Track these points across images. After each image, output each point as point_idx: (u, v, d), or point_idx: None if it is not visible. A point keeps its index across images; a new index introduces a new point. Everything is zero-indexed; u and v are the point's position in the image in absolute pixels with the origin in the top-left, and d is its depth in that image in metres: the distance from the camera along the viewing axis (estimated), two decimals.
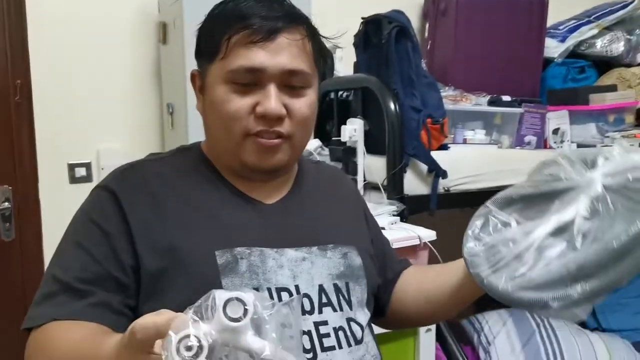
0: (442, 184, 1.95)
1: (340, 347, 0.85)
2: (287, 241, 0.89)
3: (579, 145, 2.34)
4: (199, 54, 0.92)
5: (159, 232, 0.83)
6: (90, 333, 0.73)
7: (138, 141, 2.36)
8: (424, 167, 1.93)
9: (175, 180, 0.90)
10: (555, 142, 2.34)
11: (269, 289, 0.83)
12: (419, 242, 1.69)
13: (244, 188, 0.92)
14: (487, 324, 2.26)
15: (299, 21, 0.88)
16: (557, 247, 0.75)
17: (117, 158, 2.28)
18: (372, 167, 1.97)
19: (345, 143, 1.98)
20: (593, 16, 2.72)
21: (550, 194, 0.79)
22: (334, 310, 0.87)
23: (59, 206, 2.20)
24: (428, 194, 1.94)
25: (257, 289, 0.81)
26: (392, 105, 1.88)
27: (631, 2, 2.69)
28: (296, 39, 0.86)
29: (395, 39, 1.92)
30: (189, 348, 0.49)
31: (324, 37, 0.95)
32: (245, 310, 0.52)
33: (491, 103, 2.32)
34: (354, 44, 2.16)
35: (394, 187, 1.90)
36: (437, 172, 1.91)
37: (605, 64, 2.67)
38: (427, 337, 1.77)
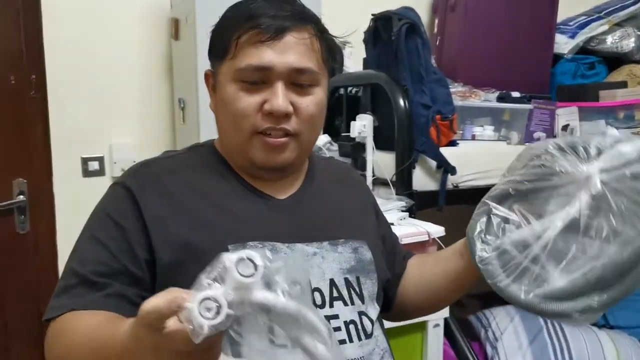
0: (451, 180, 1.96)
1: (350, 340, 0.87)
2: (298, 236, 0.90)
3: None
4: (211, 53, 0.94)
5: (174, 227, 0.85)
6: (106, 319, 0.76)
7: (150, 136, 2.39)
8: (433, 163, 1.94)
9: (190, 176, 0.92)
10: None
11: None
12: (427, 238, 1.70)
13: (256, 183, 0.94)
14: (495, 319, 2.27)
15: (307, 20, 0.89)
16: (570, 251, 0.76)
17: (129, 152, 2.32)
18: (380, 162, 1.99)
19: (354, 139, 1.99)
20: (604, 12, 2.72)
21: (546, 187, 0.79)
22: (345, 304, 0.89)
23: (73, 199, 2.24)
24: (437, 189, 1.95)
25: (268, 283, 0.83)
26: (401, 102, 1.90)
27: None
28: (304, 37, 0.87)
29: (405, 35, 1.93)
30: (208, 309, 0.51)
31: (333, 36, 0.96)
32: (256, 267, 0.54)
33: (500, 99, 2.32)
34: (364, 41, 2.17)
35: (402, 183, 1.92)
36: (445, 168, 1.93)
37: (615, 60, 2.67)
38: (435, 332, 1.78)
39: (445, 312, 1.80)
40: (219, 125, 0.95)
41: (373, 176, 1.99)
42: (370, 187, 1.98)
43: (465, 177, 1.99)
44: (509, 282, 0.79)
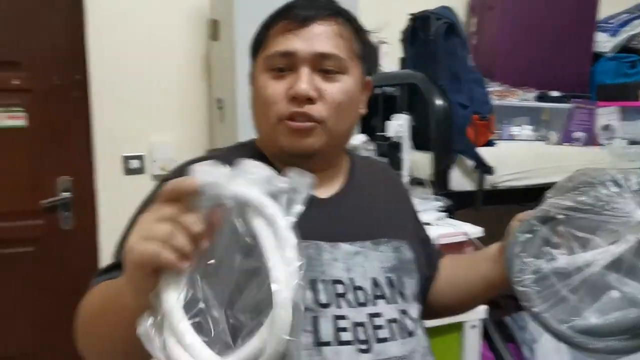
0: (489, 180, 1.95)
1: (394, 339, 0.87)
2: (341, 235, 0.91)
3: (630, 142, 2.29)
4: (251, 53, 0.97)
5: None
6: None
7: (188, 135, 2.43)
8: (470, 163, 1.93)
9: None
10: (604, 139, 2.30)
11: (324, 281, 0.85)
12: (465, 239, 1.70)
13: None
14: (533, 321, 2.25)
15: (335, 11, 0.91)
16: (609, 290, 0.76)
17: (168, 151, 2.37)
18: (417, 162, 1.99)
19: (390, 138, 1.99)
20: None
21: (595, 220, 0.79)
22: (388, 302, 0.89)
23: (114, 196, 2.29)
24: (474, 190, 1.94)
25: (313, 281, 0.84)
26: (438, 101, 1.89)
27: None
28: (331, 25, 0.89)
29: (443, 35, 1.93)
30: None
31: (367, 30, 0.97)
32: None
33: (539, 98, 2.30)
34: (401, 40, 2.17)
35: (439, 183, 1.91)
36: (483, 168, 1.92)
37: None
38: (472, 333, 1.77)
39: (482, 313, 1.79)
40: (253, 117, 0.96)
41: (410, 176, 1.99)
42: (407, 186, 1.98)
43: (503, 177, 1.98)
44: (544, 308, 0.79)
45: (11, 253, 2.20)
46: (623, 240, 0.76)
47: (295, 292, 0.57)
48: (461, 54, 1.96)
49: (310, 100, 0.87)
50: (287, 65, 0.88)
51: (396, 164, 1.99)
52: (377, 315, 0.87)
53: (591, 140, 2.27)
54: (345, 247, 0.89)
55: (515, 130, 2.21)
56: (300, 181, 0.63)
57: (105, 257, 2.27)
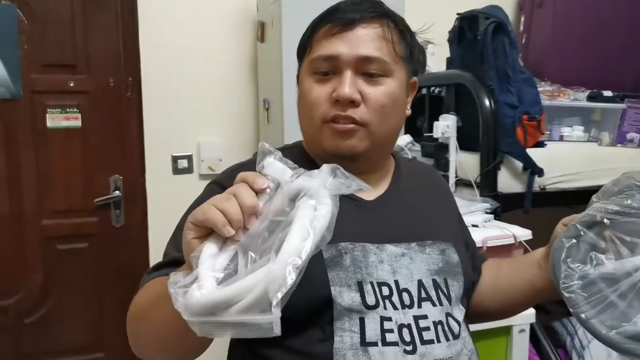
0: (538, 182, 1.91)
1: (439, 341, 0.86)
2: (387, 237, 0.90)
3: None
4: (298, 56, 0.98)
5: None
6: None
7: (235, 135, 2.47)
8: (519, 165, 1.90)
9: None
10: None
11: (371, 283, 0.86)
12: (513, 241, 1.67)
13: None
14: (582, 327, 2.20)
15: (380, 14, 0.90)
16: None
17: (215, 151, 2.42)
18: (464, 163, 1.97)
19: (437, 139, 1.98)
20: None
21: None
22: (433, 304, 0.89)
23: (163, 195, 2.36)
24: (523, 192, 1.91)
25: (360, 283, 0.85)
26: (486, 102, 1.87)
27: None
28: (375, 28, 0.89)
29: (491, 34, 1.90)
30: None
31: (414, 32, 0.97)
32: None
33: (590, 98, 2.24)
34: (448, 40, 2.15)
35: (487, 185, 1.89)
36: (532, 169, 1.88)
37: None
38: (520, 337, 1.74)
39: (531, 318, 1.76)
40: (299, 119, 0.97)
41: (456, 177, 1.97)
42: (453, 188, 1.96)
43: (552, 179, 1.94)
44: (592, 314, 0.78)
45: (68, 249, 2.29)
46: None
47: (300, 265, 0.58)
48: (510, 53, 1.92)
49: (353, 104, 0.88)
50: (331, 68, 0.89)
51: (443, 165, 1.98)
52: (422, 317, 0.87)
53: None
54: (391, 248, 0.90)
55: (565, 130, 2.16)
56: (353, 182, 0.67)
57: (155, 253, 2.33)
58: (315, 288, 0.81)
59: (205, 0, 2.38)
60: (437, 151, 2.01)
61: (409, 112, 0.99)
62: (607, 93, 2.25)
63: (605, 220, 0.80)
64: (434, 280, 0.91)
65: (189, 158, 2.42)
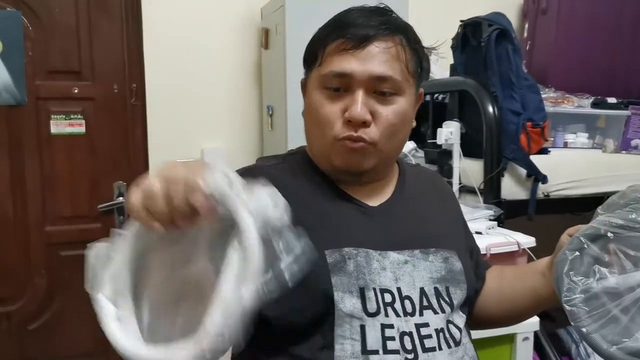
0: (542, 189, 1.91)
1: (440, 348, 0.86)
2: (390, 244, 0.90)
3: None
4: (305, 62, 0.96)
5: None
6: None
7: (239, 141, 2.48)
8: (523, 171, 1.90)
9: (287, 181, 0.92)
10: None
11: (374, 289, 0.85)
12: (517, 248, 1.66)
13: (349, 190, 0.95)
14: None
15: (394, 30, 0.88)
16: None
17: (219, 157, 2.42)
18: (468, 170, 1.96)
19: (440, 146, 1.97)
20: None
21: None
22: (435, 312, 0.88)
23: None
24: (526, 198, 1.90)
25: (363, 288, 0.85)
26: (490, 108, 1.87)
27: None
28: (388, 46, 0.87)
29: (495, 41, 1.90)
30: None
31: (423, 46, 0.96)
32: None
33: (595, 105, 2.23)
34: (452, 47, 2.15)
35: (491, 191, 1.88)
36: (536, 176, 1.88)
37: None
38: (524, 345, 1.73)
39: (535, 325, 1.75)
40: (306, 130, 0.97)
41: (460, 184, 1.97)
42: (457, 195, 1.96)
43: (556, 186, 1.93)
44: (593, 328, 0.78)
45: (71, 255, 2.29)
46: None
47: (232, 324, 0.57)
48: (514, 59, 1.92)
49: (364, 124, 0.87)
50: (342, 85, 0.87)
51: (446, 171, 1.97)
52: (424, 325, 0.86)
53: None
54: (394, 255, 0.89)
55: (570, 137, 2.15)
56: (299, 242, 0.64)
57: None
58: (319, 292, 0.82)
59: (209, 7, 2.39)
60: (441, 158, 2.01)
61: (414, 124, 0.99)
62: (612, 100, 2.24)
63: (610, 234, 0.79)
64: (436, 288, 0.91)
65: None
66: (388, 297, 0.85)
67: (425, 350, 0.84)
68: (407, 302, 0.87)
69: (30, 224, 2.23)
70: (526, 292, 1.00)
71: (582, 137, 2.17)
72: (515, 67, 1.93)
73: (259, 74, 2.47)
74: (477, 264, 1.08)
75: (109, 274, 0.64)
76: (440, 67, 2.39)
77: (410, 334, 0.84)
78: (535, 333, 1.79)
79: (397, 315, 0.84)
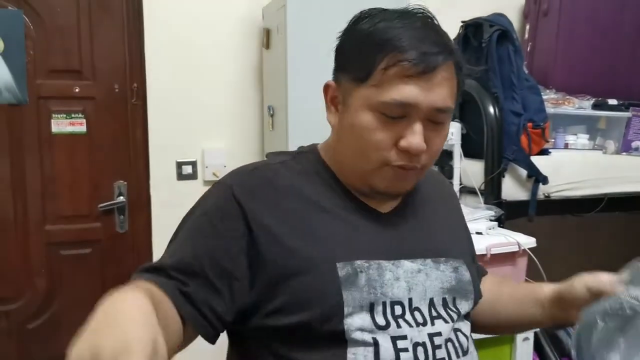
0: (542, 189, 1.91)
1: (450, 358, 0.86)
2: (403, 252, 0.89)
3: None
4: (343, 69, 0.88)
5: (281, 238, 0.84)
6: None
7: (239, 142, 2.47)
8: (523, 172, 1.90)
9: (298, 184, 0.91)
10: None
11: (384, 303, 0.84)
12: (517, 249, 1.66)
13: (361, 196, 0.92)
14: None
15: (452, 56, 0.84)
16: None
17: (220, 157, 2.42)
18: (468, 171, 1.96)
19: None
20: None
21: None
22: (445, 322, 0.88)
23: (167, 201, 2.35)
24: (527, 199, 1.90)
25: (372, 303, 0.83)
26: (491, 109, 1.87)
27: None
28: (449, 76, 0.84)
29: (496, 42, 1.90)
30: None
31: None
32: None
33: (595, 106, 2.23)
34: None
35: (491, 192, 1.88)
36: (537, 177, 1.88)
37: None
38: (524, 345, 1.73)
39: None
40: (340, 143, 0.91)
41: (460, 184, 1.97)
42: (457, 195, 1.96)
43: (557, 187, 1.93)
44: None
45: (71, 254, 2.29)
46: None
47: None
48: (515, 60, 1.92)
49: (419, 153, 0.85)
50: (401, 114, 0.82)
51: (447, 172, 1.97)
52: (437, 334, 0.86)
53: None
54: (407, 264, 0.88)
55: (570, 139, 2.16)
56: None
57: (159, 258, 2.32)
58: (330, 307, 0.81)
59: (210, 8, 2.39)
60: (442, 158, 2.01)
61: None
62: (613, 101, 2.24)
63: (629, 311, 0.78)
64: (444, 299, 0.90)
65: (194, 164, 2.42)
66: (398, 310, 0.85)
67: None
68: (416, 313, 0.86)
69: (30, 223, 2.23)
70: (522, 318, 1.02)
71: (582, 139, 2.18)
72: (517, 68, 1.94)
73: (260, 74, 2.47)
74: (477, 270, 1.07)
75: None
76: None
77: (423, 344, 0.84)
78: (535, 334, 1.79)
79: (410, 325, 0.84)
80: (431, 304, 0.88)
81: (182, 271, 0.81)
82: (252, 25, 2.44)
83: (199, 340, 0.82)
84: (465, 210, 1.74)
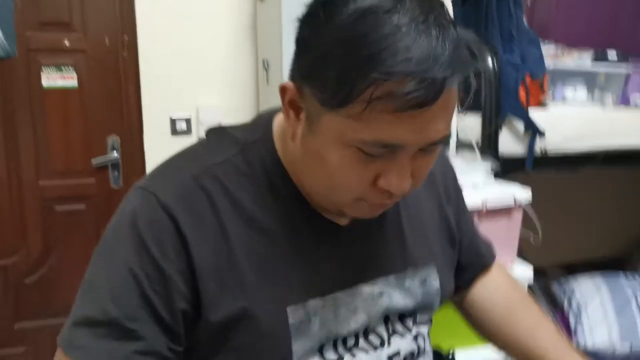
0: (540, 145, 1.89)
1: None
2: (362, 274, 0.78)
3: None
4: (307, 79, 0.64)
5: (228, 275, 0.70)
6: None
7: (234, 97, 2.44)
8: (521, 127, 1.88)
9: (244, 200, 0.73)
10: None
11: (334, 341, 0.76)
12: (513, 204, 1.66)
13: (319, 207, 0.77)
14: (580, 289, 2.21)
15: (463, 73, 0.61)
16: None
17: (214, 113, 2.39)
18: (465, 125, 1.94)
19: None
20: None
21: None
22: (402, 336, 0.82)
23: (161, 156, 2.33)
24: (524, 154, 1.89)
25: (323, 345, 0.75)
26: (489, 61, 1.83)
27: None
28: (453, 98, 0.63)
29: None
30: None
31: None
32: None
33: (594, 59, 2.20)
34: (452, 1, 2.10)
35: (488, 147, 1.87)
36: (534, 131, 1.86)
37: None
38: None
39: (528, 280, 1.77)
40: (305, 167, 0.72)
41: (457, 139, 1.95)
42: (454, 151, 1.94)
43: (554, 142, 1.91)
44: None
45: (66, 210, 2.28)
46: None
47: None
48: (515, 13, 1.88)
49: None
50: (383, 153, 0.64)
51: None
52: (395, 354, 0.81)
53: None
54: (366, 291, 0.78)
55: (569, 92, 2.13)
56: None
57: None
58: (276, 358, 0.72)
59: None
60: None
61: None
62: (612, 54, 2.21)
63: None
64: (402, 314, 0.83)
65: (188, 120, 2.39)
66: (351, 341, 0.77)
67: None
68: (372, 337, 0.79)
69: (24, 178, 2.21)
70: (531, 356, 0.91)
71: (581, 92, 2.15)
72: (516, 20, 1.89)
73: (255, 28, 2.41)
74: (472, 252, 0.98)
75: None
76: None
77: None
78: (529, 287, 1.80)
79: (366, 352, 0.78)
80: (386, 320, 0.80)
81: (137, 319, 0.68)
82: None
83: None
84: (462, 164, 1.73)
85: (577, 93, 2.13)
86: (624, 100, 2.15)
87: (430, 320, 0.90)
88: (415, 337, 0.84)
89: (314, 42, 0.63)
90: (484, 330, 1.00)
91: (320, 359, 0.74)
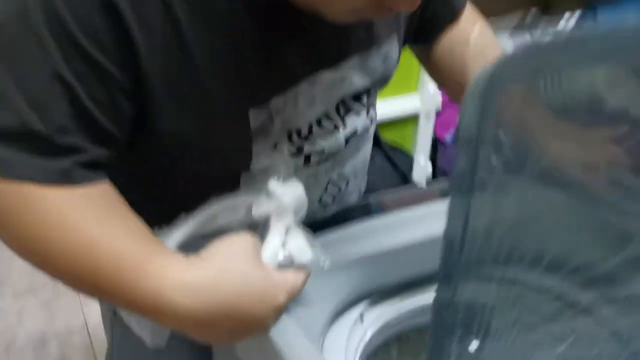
0: None
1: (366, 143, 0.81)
2: (324, 58, 0.68)
3: None
4: None
5: (183, 84, 0.57)
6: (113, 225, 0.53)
7: None
8: None
9: None
10: None
11: (290, 135, 0.68)
12: None
13: None
14: None
15: None
16: None
17: None
18: None
19: None
20: None
21: None
22: (357, 114, 0.76)
23: None
24: None
25: (276, 142, 0.68)
26: None
27: None
28: None
29: None
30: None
31: None
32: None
33: None
34: None
35: None
36: None
37: None
38: (428, 124, 1.88)
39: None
40: None
41: None
42: None
43: None
44: None
45: None
46: None
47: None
48: None
49: None
50: None
51: None
52: (353, 134, 0.76)
53: None
54: (326, 78, 0.68)
55: None
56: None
57: None
58: (235, 165, 0.68)
59: None
60: None
61: None
62: None
63: None
64: (356, 95, 0.75)
65: None
66: (304, 131, 0.69)
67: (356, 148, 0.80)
68: (325, 122, 0.72)
69: None
70: None
71: None
72: None
73: None
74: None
75: None
76: None
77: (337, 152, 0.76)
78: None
79: (324, 138, 0.72)
80: (342, 103, 0.73)
81: (70, 131, 0.53)
82: None
83: None
84: None
85: None
86: None
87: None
88: (368, 111, 0.78)
89: None
90: (450, 90, 0.94)
91: (279, 154, 0.68)
